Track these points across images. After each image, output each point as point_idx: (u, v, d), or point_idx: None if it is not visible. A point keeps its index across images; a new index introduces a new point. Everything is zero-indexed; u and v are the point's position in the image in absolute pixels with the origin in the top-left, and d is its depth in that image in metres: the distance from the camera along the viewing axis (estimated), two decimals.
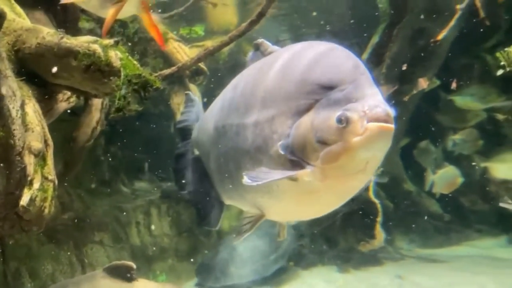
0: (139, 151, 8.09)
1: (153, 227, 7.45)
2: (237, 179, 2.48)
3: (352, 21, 7.75)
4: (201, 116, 3.41)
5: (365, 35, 7.90)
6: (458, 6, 6.06)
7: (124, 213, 7.38)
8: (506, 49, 9.10)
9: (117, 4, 2.55)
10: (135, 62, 3.34)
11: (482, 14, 5.86)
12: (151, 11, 6.98)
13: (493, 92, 8.02)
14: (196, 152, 3.24)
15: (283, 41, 8.99)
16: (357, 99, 2.00)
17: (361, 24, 7.98)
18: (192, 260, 7.50)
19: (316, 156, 2.05)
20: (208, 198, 2.87)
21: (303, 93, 2.17)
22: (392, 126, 1.91)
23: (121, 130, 7.27)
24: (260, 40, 2.77)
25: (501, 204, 7.35)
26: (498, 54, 9.15)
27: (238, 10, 8.69)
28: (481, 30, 6.75)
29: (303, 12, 8.29)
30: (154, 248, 7.28)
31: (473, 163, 8.23)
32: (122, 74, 3.10)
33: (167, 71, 3.63)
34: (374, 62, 7.51)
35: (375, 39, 7.65)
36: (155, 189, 8.05)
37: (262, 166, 2.28)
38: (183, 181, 3.30)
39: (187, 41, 7.84)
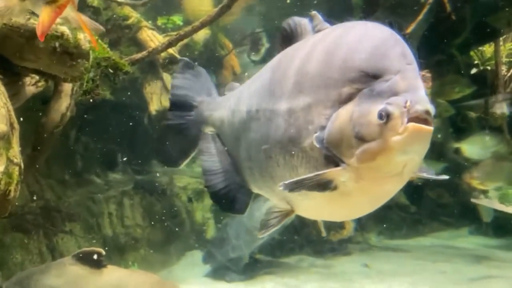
0: (113, 141, 8.03)
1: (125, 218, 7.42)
2: (266, 170, 2.33)
3: (323, 12, 7.80)
4: (213, 91, 3.05)
5: None
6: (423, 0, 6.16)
7: (96, 204, 7.32)
8: (480, 48, 9.34)
9: (51, 6, 2.35)
10: (104, 45, 3.31)
11: (448, 8, 6.02)
12: None
13: (464, 83, 8.26)
14: (209, 130, 2.91)
15: (259, 32, 9.07)
16: (400, 92, 1.82)
17: (337, 15, 8.04)
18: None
19: (351, 153, 1.86)
20: (233, 183, 2.65)
21: (345, 80, 1.94)
22: (430, 127, 1.77)
23: (94, 120, 7.19)
24: (313, 12, 2.43)
25: (473, 200, 7.61)
26: (472, 53, 9.37)
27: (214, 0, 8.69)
28: (449, 26, 6.91)
29: (278, 1, 8.26)
30: (126, 239, 7.24)
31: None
32: (90, 56, 3.07)
33: (137, 56, 3.58)
34: None
35: None
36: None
37: (293, 159, 2.10)
38: (174, 155, 3.03)
39: (164, 31, 7.79)
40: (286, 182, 1.97)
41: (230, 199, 2.66)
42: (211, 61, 8.63)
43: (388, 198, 2.03)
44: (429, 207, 8.67)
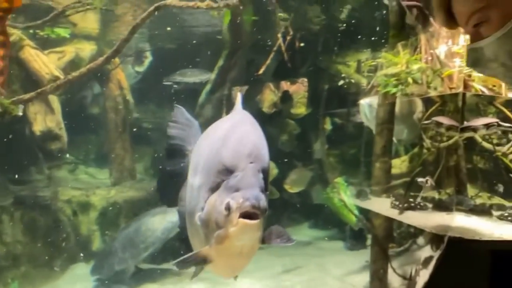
0: None
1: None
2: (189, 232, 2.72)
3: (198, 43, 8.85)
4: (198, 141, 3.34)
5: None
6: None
7: None
8: (347, 63, 10.76)
9: None
10: None
11: (286, 56, 8.20)
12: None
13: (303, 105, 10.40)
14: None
15: (143, 52, 9.62)
16: (241, 188, 2.18)
17: (213, 43, 9.18)
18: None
19: (213, 235, 2.24)
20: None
21: (216, 171, 2.31)
22: (254, 222, 2.15)
23: None
24: (238, 93, 2.91)
25: (340, 198, 9.09)
26: (340, 67, 10.77)
27: (100, 17, 8.83)
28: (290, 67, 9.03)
29: (160, 27, 8.94)
30: (6, 256, 7.11)
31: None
32: None
33: (26, 96, 3.77)
34: (219, 82, 9.08)
35: (220, 63, 9.10)
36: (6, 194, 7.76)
37: (193, 228, 2.50)
38: (173, 197, 3.20)
39: (48, 42, 7.70)
40: (177, 261, 2.45)
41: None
42: (98, 75, 8.75)
43: (244, 267, 2.56)
44: (283, 207, 9.81)
